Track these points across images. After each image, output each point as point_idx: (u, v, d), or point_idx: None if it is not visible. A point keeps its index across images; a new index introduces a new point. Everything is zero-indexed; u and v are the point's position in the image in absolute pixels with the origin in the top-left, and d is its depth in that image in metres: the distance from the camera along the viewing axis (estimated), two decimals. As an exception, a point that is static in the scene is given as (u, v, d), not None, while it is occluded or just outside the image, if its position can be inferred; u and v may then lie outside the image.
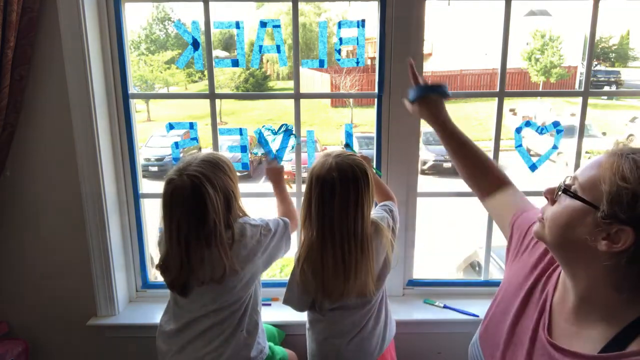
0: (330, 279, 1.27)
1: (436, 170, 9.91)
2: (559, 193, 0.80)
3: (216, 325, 1.33)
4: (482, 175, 1.19)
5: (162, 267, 1.30)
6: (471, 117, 14.06)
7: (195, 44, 1.62)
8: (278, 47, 1.64)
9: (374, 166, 1.70)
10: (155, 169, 9.42)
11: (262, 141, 1.71)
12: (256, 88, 16.68)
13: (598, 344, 0.74)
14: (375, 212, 1.43)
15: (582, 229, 0.75)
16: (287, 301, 1.39)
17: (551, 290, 0.89)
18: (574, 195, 0.77)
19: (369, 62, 12.24)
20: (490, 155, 1.73)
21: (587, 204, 0.74)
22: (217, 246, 1.24)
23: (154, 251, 1.81)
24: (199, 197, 1.21)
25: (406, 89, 1.62)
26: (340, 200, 1.22)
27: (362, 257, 1.26)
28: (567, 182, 0.81)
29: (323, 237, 1.26)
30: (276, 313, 1.74)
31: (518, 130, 1.73)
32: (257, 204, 1.68)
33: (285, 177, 1.67)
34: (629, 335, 0.72)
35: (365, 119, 13.13)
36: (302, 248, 1.32)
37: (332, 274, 1.27)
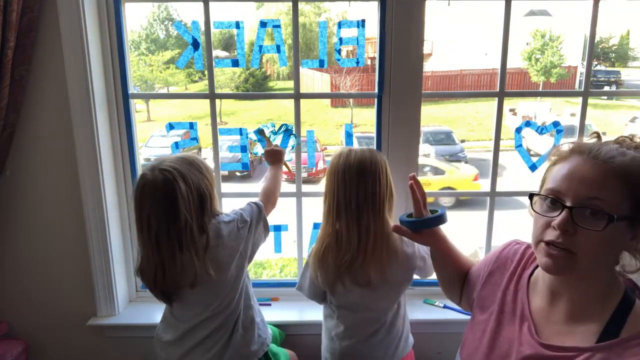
0: (342, 248, 1.28)
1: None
2: (609, 224, 0.72)
3: (214, 333, 1.31)
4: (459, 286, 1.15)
5: (140, 271, 1.26)
6: (471, 117, 14.06)
7: (195, 44, 1.62)
8: (278, 47, 1.64)
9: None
10: (155, 169, 9.36)
11: (261, 141, 1.71)
12: (256, 88, 16.67)
13: (592, 336, 0.76)
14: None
15: (620, 241, 0.76)
16: (299, 287, 1.44)
17: (524, 298, 0.89)
18: (622, 218, 0.73)
19: (369, 62, 12.23)
20: (491, 155, 1.75)
21: (631, 219, 0.74)
22: (190, 250, 1.20)
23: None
24: (169, 192, 1.16)
25: (406, 89, 1.64)
26: (357, 175, 1.26)
27: (379, 228, 1.27)
28: (588, 204, 0.74)
29: (338, 208, 1.28)
30: (276, 313, 1.74)
31: (518, 130, 1.73)
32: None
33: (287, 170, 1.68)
34: (618, 322, 0.75)
35: (365, 119, 13.13)
36: (319, 234, 1.35)
37: (345, 241, 1.28)
